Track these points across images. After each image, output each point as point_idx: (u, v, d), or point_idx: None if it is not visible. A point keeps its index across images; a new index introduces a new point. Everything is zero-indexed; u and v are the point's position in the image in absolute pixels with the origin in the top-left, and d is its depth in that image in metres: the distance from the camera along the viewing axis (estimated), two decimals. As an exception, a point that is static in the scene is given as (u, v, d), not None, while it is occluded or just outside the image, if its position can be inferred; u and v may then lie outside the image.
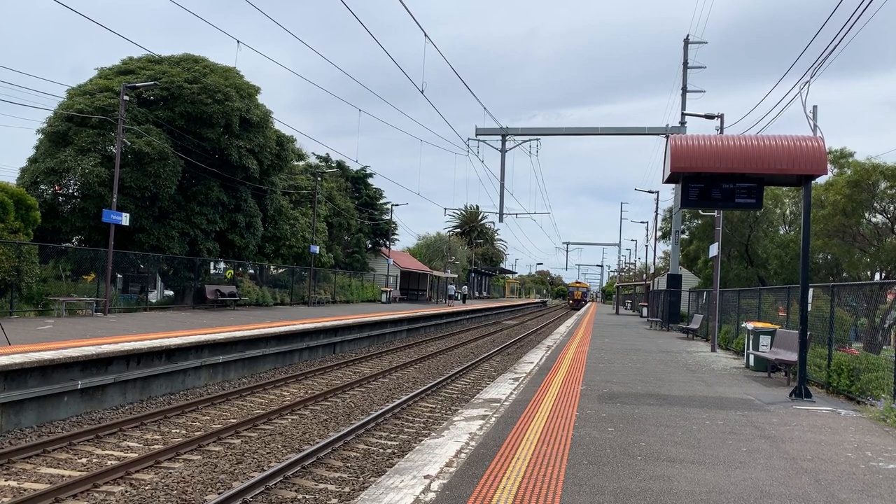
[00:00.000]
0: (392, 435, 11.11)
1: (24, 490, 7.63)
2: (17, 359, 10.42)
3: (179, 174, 26.23)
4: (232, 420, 11.66)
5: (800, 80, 13.36)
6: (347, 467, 9.08)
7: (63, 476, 8.20)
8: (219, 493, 7.71)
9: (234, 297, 29.62)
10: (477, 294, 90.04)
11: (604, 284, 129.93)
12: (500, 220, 38.62)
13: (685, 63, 32.73)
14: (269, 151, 29.77)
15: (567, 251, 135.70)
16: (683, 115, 30.77)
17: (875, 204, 28.78)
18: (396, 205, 57.47)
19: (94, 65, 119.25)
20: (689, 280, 41.10)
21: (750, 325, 14.77)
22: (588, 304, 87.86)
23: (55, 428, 10.60)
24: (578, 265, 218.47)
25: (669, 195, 44.79)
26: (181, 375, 14.34)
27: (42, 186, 24.73)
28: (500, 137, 33.91)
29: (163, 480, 8.13)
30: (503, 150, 33.86)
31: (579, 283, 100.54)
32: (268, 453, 9.58)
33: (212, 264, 31.94)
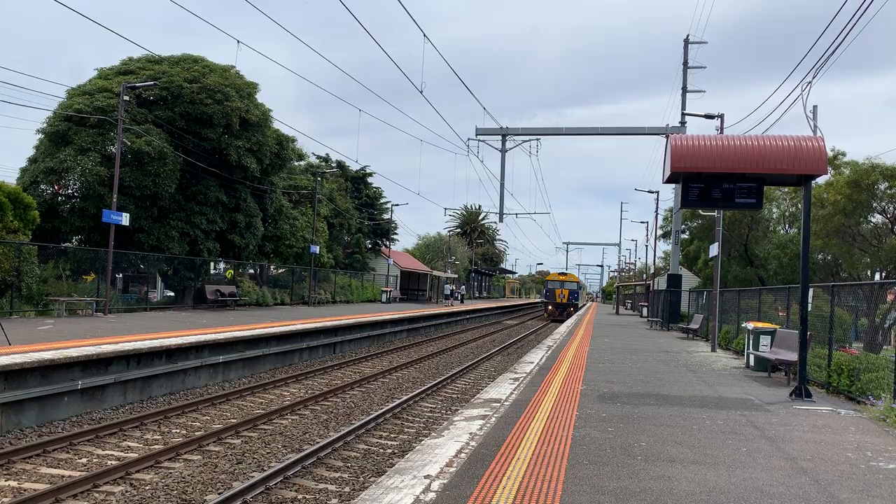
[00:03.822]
0: (392, 435, 11.11)
1: (25, 490, 7.63)
2: (18, 359, 10.42)
3: (179, 174, 26.24)
4: (232, 420, 11.66)
5: (801, 80, 13.35)
6: (347, 467, 9.08)
7: (63, 476, 8.20)
8: (219, 493, 7.71)
9: (234, 297, 29.61)
10: (477, 294, 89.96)
11: (604, 284, 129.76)
12: (500, 220, 38.60)
13: (685, 63, 32.73)
14: (269, 151, 29.77)
15: (567, 251, 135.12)
16: (683, 115, 30.74)
17: (874, 204, 28.75)
18: (396, 205, 57.60)
19: (94, 65, 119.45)
20: (689, 280, 41.06)
21: (750, 325, 14.77)
22: (587, 305, 75.32)
23: (55, 428, 10.59)
24: (579, 265, 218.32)
25: (669, 195, 44.80)
26: (181, 375, 14.34)
27: (42, 186, 24.75)
28: (500, 137, 33.90)
29: (163, 480, 8.13)
30: (503, 150, 33.86)
31: (565, 274, 56.78)
32: (268, 453, 9.58)
33: (212, 264, 31.94)
